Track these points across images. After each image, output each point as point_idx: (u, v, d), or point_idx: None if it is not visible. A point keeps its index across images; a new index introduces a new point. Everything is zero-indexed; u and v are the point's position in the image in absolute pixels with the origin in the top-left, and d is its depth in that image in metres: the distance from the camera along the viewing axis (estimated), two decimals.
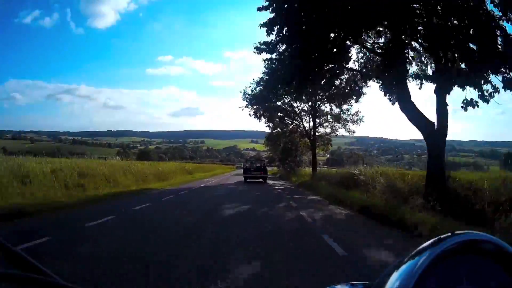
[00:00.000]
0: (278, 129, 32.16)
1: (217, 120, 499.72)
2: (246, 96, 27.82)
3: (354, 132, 28.14)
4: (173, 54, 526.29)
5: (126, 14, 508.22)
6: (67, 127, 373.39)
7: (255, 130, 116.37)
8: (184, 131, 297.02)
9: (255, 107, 28.55)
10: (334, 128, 28.86)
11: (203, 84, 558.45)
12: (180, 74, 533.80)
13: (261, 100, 26.73)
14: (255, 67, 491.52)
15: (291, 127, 31.47)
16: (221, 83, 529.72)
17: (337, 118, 27.87)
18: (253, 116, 29.22)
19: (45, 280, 0.53)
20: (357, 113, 27.56)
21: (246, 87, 28.65)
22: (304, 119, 29.40)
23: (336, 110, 27.13)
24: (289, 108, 29.55)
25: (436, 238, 0.55)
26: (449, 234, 0.55)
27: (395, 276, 0.52)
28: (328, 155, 63.58)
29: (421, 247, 0.55)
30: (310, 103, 27.80)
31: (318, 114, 28.18)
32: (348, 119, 27.76)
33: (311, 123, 28.82)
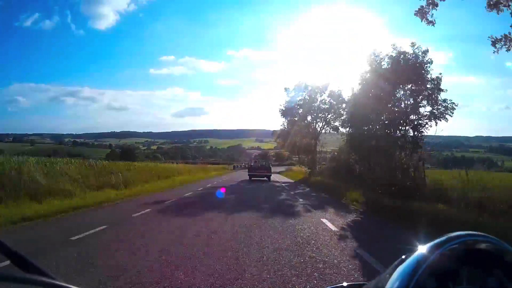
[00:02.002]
0: None
1: (222, 120, 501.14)
2: None
3: None
4: (175, 54, 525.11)
5: (126, 14, 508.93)
6: (71, 129, 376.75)
7: (260, 128, 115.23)
8: (188, 131, 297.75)
9: None
10: None
11: (208, 84, 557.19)
12: (184, 74, 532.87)
13: None
14: (258, 65, 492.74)
15: None
16: (225, 82, 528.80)
17: None
18: None
19: (45, 280, 0.53)
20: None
21: None
22: None
23: None
24: None
25: (437, 238, 0.54)
26: (450, 234, 0.54)
27: (395, 276, 0.52)
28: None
29: (421, 247, 0.54)
30: None
31: None
32: None
33: None
